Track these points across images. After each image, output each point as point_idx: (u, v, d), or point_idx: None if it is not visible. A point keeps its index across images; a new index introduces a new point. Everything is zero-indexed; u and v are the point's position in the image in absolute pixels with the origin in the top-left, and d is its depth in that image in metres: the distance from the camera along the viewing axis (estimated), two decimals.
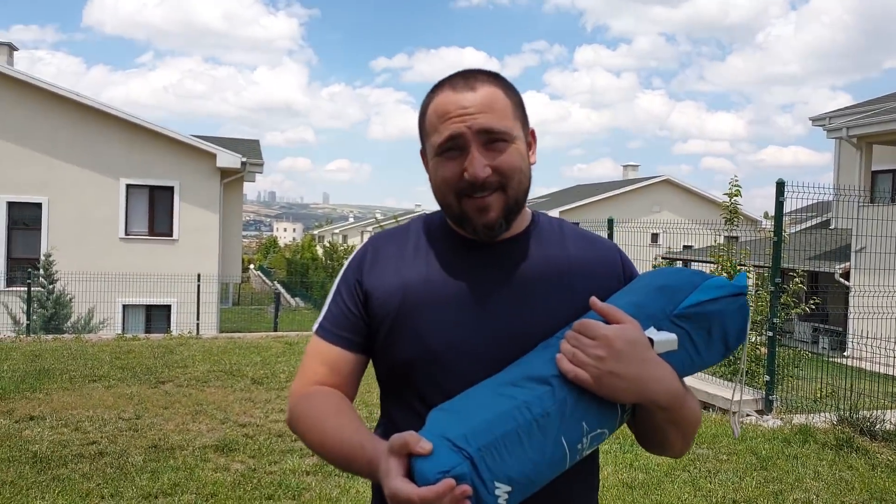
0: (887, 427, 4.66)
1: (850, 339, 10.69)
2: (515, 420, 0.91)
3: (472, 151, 1.01)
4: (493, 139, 1.02)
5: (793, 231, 19.18)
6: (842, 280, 14.56)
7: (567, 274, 1.09)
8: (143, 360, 7.49)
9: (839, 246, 16.10)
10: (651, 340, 0.96)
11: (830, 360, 8.62)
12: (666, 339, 0.97)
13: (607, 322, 0.96)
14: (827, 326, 14.36)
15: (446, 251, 1.11)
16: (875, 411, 4.88)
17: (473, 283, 1.07)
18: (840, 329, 13.83)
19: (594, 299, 0.99)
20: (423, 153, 1.13)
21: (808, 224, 20.58)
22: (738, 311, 1.02)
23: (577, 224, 1.24)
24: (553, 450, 0.92)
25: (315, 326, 1.15)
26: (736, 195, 7.20)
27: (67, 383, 6.22)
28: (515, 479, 0.89)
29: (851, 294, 13.23)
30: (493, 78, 1.08)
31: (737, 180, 7.22)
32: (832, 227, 17.61)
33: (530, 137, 1.11)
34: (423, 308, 1.06)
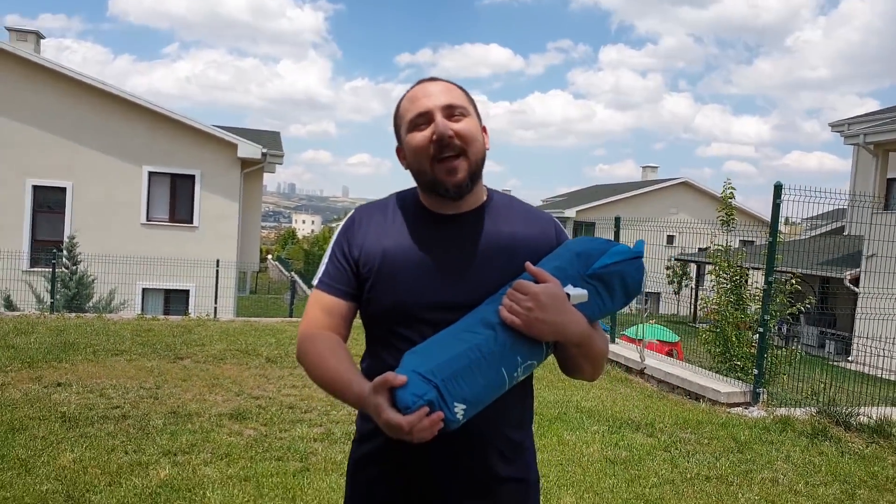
0: (862, 420, 4.88)
1: (855, 341, 10.86)
2: (469, 357, 1.20)
3: (437, 117, 1.30)
4: (453, 112, 1.32)
5: (808, 236, 19.21)
6: (850, 285, 14.64)
7: (511, 242, 1.38)
8: (162, 337, 7.86)
9: (851, 252, 16.15)
10: (568, 295, 1.26)
11: (834, 363, 8.80)
12: (578, 293, 1.28)
13: (537, 281, 1.25)
14: (834, 331, 14.47)
15: (417, 222, 1.40)
16: (853, 407, 5.09)
17: (438, 249, 1.36)
18: (846, 334, 13.94)
19: (528, 264, 1.29)
20: (399, 150, 1.41)
21: (824, 229, 20.60)
22: (636, 270, 1.33)
23: (522, 205, 1.52)
24: (495, 377, 1.22)
25: (315, 281, 1.43)
26: (730, 197, 7.43)
27: (91, 356, 6.59)
28: (469, 400, 1.19)
29: (860, 297, 13.33)
30: (453, 82, 1.41)
31: (730, 183, 7.47)
32: (846, 233, 17.64)
33: (483, 132, 1.40)
34: (397, 269, 1.35)
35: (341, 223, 1.47)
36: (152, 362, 6.46)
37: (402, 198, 1.46)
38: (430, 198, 1.39)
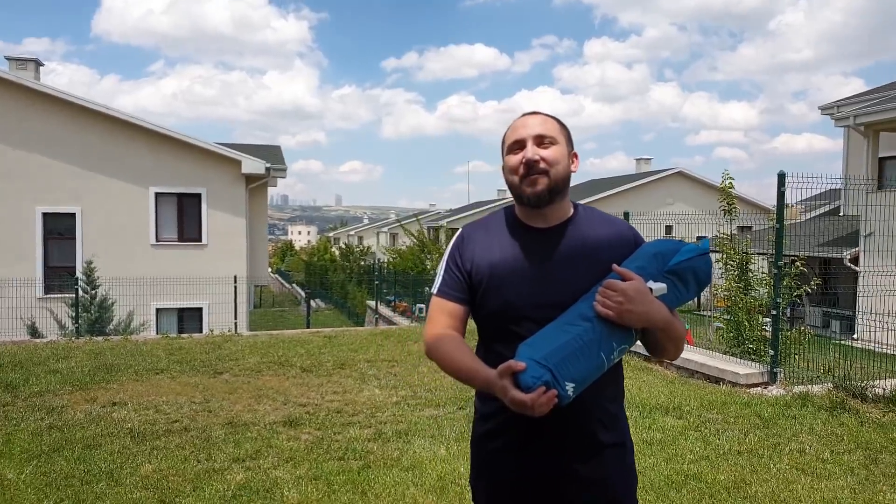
0: (877, 391, 5.20)
1: (858, 318, 11.17)
2: (573, 345, 1.50)
3: (528, 144, 1.63)
4: (542, 141, 1.64)
5: (805, 219, 19.55)
6: (850, 265, 14.97)
7: (596, 248, 1.68)
8: (195, 354, 8.13)
9: (848, 232, 16.49)
10: (650, 289, 1.56)
11: (839, 342, 9.11)
12: (659, 287, 1.58)
13: (623, 280, 1.55)
14: (837, 311, 14.81)
15: (515, 236, 1.71)
16: (868, 380, 5.40)
17: (535, 258, 1.67)
18: (850, 313, 14.29)
19: (615, 265, 1.59)
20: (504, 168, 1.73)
21: (820, 211, 20.96)
22: (704, 263, 1.63)
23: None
24: (596, 360, 1.52)
25: (434, 290, 1.75)
26: (730, 187, 7.78)
27: (134, 375, 6.86)
28: (577, 379, 1.49)
29: (860, 275, 13.66)
30: (550, 115, 1.73)
31: (729, 173, 7.83)
32: (841, 213, 17.99)
33: (573, 157, 1.73)
34: (503, 278, 1.66)
35: (452, 239, 1.79)
36: (194, 378, 6.74)
37: (503, 215, 1.77)
38: (524, 212, 1.71)
